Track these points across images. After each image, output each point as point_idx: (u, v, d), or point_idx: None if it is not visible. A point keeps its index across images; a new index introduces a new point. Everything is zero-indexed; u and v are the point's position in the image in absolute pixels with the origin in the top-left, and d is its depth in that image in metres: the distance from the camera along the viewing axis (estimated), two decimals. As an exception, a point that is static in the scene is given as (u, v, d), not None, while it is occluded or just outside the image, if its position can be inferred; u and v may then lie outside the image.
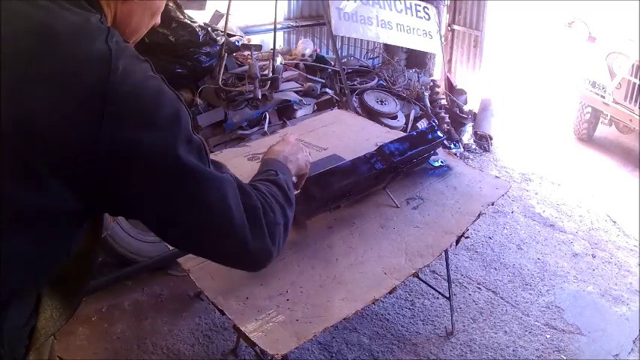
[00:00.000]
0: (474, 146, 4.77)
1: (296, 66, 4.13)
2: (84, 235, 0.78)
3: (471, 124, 4.83)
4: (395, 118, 4.19)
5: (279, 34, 4.45)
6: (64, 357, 2.35)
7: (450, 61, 5.62)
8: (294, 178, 1.21)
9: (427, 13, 4.73)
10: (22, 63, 0.65)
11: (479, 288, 2.92)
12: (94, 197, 0.70)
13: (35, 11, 0.68)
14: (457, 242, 1.97)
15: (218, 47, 3.32)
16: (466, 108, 4.94)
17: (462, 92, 5.02)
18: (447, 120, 4.61)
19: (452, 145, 4.52)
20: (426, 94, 4.66)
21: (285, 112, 3.56)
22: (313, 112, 3.68)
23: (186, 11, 3.43)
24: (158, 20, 0.91)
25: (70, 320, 0.86)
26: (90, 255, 0.85)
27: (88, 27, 0.70)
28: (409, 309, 2.72)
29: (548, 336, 2.61)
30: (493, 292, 2.90)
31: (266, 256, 0.89)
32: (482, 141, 4.81)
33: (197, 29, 3.22)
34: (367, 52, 5.12)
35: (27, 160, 0.64)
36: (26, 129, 0.64)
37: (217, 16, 3.80)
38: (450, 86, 5.03)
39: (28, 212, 0.67)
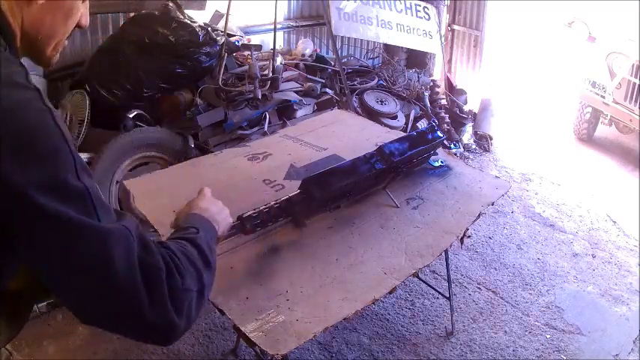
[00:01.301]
0: (474, 146, 4.77)
1: (296, 66, 4.13)
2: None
3: (471, 124, 4.83)
4: (395, 118, 4.19)
5: (279, 34, 4.45)
6: (64, 357, 2.35)
7: (450, 61, 5.62)
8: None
9: (427, 13, 4.73)
10: None
11: (479, 288, 2.92)
12: None
13: None
14: (462, 242, 1.97)
15: (218, 47, 3.32)
16: (466, 108, 4.94)
17: (462, 92, 5.01)
18: (447, 120, 4.61)
19: (452, 145, 4.52)
20: (426, 94, 4.66)
21: (285, 112, 3.56)
22: (313, 112, 3.67)
23: (186, 11, 3.43)
24: (83, 21, 0.84)
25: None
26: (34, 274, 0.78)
27: None
28: (409, 309, 2.72)
29: (548, 336, 2.61)
30: (493, 292, 2.90)
31: (168, 328, 0.74)
32: (483, 141, 4.81)
33: (197, 29, 3.22)
34: (367, 52, 5.12)
35: None
36: None
37: (217, 16, 3.79)
38: (450, 86, 5.02)
39: None
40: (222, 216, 1.06)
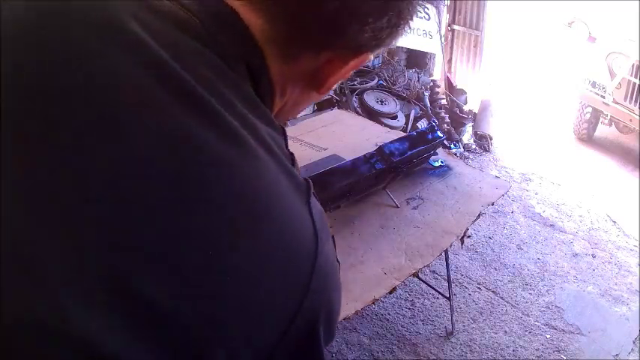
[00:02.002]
0: (474, 146, 4.77)
1: (296, 66, 4.13)
2: None
3: (471, 124, 4.83)
4: (395, 118, 4.19)
5: (279, 34, 4.44)
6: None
7: (450, 61, 5.62)
8: None
9: (427, 13, 4.73)
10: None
11: (479, 288, 2.92)
12: None
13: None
14: (462, 242, 1.97)
15: (218, 47, 3.32)
16: (466, 108, 4.94)
17: (462, 92, 5.02)
18: (447, 120, 4.61)
19: (452, 145, 4.52)
20: (426, 94, 4.66)
21: (285, 112, 3.56)
22: (313, 112, 3.68)
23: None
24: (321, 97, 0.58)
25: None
26: None
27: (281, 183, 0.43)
28: (409, 309, 2.72)
29: (548, 336, 2.61)
30: (493, 292, 2.90)
31: None
32: (483, 141, 4.81)
33: (197, 29, 3.22)
34: (367, 52, 5.12)
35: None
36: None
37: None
38: (450, 86, 5.02)
39: None
40: None
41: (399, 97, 4.41)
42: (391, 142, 2.04)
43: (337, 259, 0.51)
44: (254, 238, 0.40)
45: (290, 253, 0.42)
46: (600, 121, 5.08)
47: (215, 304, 0.38)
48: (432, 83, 4.89)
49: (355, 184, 1.91)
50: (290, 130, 2.68)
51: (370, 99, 4.19)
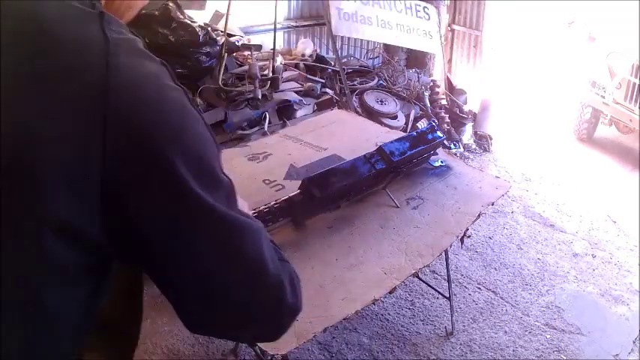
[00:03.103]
0: (474, 146, 4.77)
1: (296, 66, 4.13)
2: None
3: (471, 124, 4.82)
4: (395, 118, 4.19)
5: (279, 34, 4.45)
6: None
7: (450, 61, 5.62)
8: None
9: (427, 13, 4.73)
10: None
11: (479, 288, 2.92)
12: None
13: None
14: (462, 242, 1.97)
15: (218, 47, 3.32)
16: (466, 108, 4.94)
17: (462, 92, 5.01)
18: (447, 120, 4.61)
19: (452, 145, 4.52)
20: (426, 94, 4.66)
21: (285, 112, 3.56)
22: (313, 112, 3.68)
23: (186, 11, 3.43)
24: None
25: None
26: (132, 289, 0.71)
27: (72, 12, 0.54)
28: (409, 309, 2.72)
29: (548, 336, 2.61)
30: (493, 292, 2.90)
31: (294, 315, 0.73)
32: (482, 141, 4.81)
33: (197, 29, 3.22)
34: (367, 52, 5.12)
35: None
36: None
37: (217, 16, 3.80)
38: (450, 86, 5.02)
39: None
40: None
41: (399, 97, 4.41)
42: (391, 142, 2.04)
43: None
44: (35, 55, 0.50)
45: (72, 58, 0.51)
46: (600, 121, 5.08)
47: (21, 112, 0.48)
48: (432, 83, 4.88)
49: (355, 184, 1.90)
50: (290, 130, 2.68)
51: (370, 99, 4.19)
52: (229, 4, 3.46)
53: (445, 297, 2.58)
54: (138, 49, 0.57)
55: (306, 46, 4.40)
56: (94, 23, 0.53)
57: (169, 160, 0.53)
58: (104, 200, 0.51)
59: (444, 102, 4.82)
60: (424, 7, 4.72)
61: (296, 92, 3.69)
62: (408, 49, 4.96)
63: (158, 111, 0.54)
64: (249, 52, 3.65)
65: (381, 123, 3.45)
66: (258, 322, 0.68)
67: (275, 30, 3.76)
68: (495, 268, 3.10)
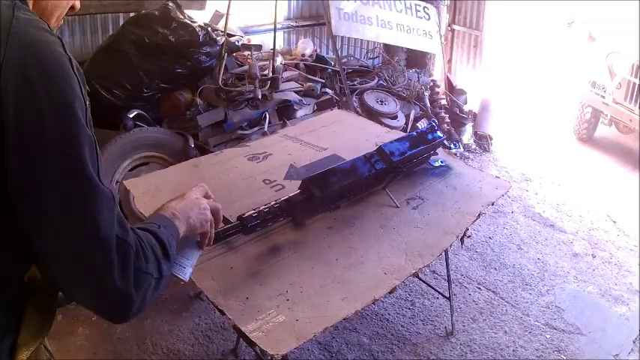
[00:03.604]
0: (474, 146, 4.77)
1: (296, 66, 4.13)
2: None
3: (471, 124, 4.83)
4: (395, 118, 4.19)
5: (279, 34, 4.45)
6: (63, 357, 2.35)
7: (450, 61, 5.62)
8: (197, 237, 1.07)
9: (427, 13, 4.73)
10: None
11: (479, 288, 2.92)
12: None
13: None
14: (462, 242, 1.97)
15: (218, 47, 3.32)
16: (466, 108, 4.94)
17: (462, 92, 5.01)
18: (447, 120, 4.61)
19: (452, 145, 4.52)
20: (426, 94, 4.66)
21: (285, 112, 3.56)
22: (313, 112, 3.67)
23: (186, 11, 3.43)
24: (77, 4, 0.88)
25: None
26: None
27: None
28: (409, 309, 2.72)
29: (548, 336, 2.61)
30: (493, 292, 2.90)
31: (125, 301, 0.77)
32: (482, 141, 4.81)
33: (197, 29, 3.22)
34: (367, 52, 5.12)
35: None
36: None
37: (217, 16, 3.79)
38: (450, 86, 5.02)
39: None
40: (188, 213, 1.03)
41: (399, 97, 4.41)
42: (391, 142, 2.04)
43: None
44: None
45: None
46: (600, 121, 5.08)
47: None
48: (432, 83, 4.88)
49: (355, 184, 1.90)
50: (290, 130, 2.68)
51: (370, 99, 4.19)
52: (229, 4, 3.45)
53: (445, 297, 2.58)
54: (39, 26, 0.74)
55: (306, 46, 4.40)
56: (9, 8, 0.73)
57: (44, 102, 0.70)
58: None
59: (444, 102, 4.82)
60: (424, 7, 4.72)
61: (296, 92, 3.69)
62: (408, 49, 4.96)
63: (42, 60, 0.71)
64: (249, 52, 3.65)
65: (381, 123, 3.45)
66: (84, 286, 0.77)
67: (275, 30, 3.76)
68: (495, 268, 3.10)
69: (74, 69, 0.74)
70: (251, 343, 1.41)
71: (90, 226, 0.72)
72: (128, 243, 0.77)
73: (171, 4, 3.32)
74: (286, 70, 3.85)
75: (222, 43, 3.34)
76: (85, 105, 0.74)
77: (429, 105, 4.58)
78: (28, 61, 0.70)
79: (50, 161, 0.70)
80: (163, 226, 0.93)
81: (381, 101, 4.23)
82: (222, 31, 3.44)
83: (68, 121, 0.71)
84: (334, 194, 1.85)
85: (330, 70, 4.20)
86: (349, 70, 4.48)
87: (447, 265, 2.44)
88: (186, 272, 1.08)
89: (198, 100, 3.31)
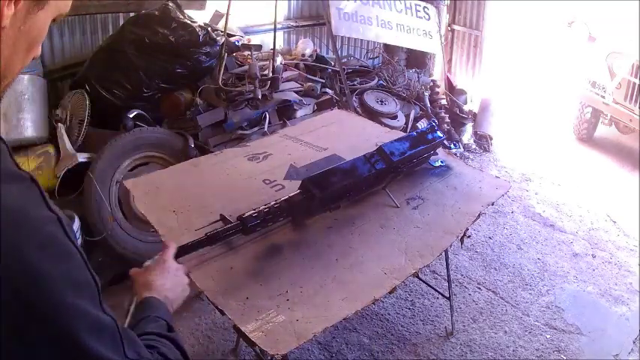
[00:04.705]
0: (474, 146, 4.77)
1: (296, 66, 4.13)
2: None
3: (471, 124, 4.83)
4: (395, 118, 4.19)
5: (279, 34, 4.44)
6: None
7: (450, 61, 5.62)
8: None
9: (427, 13, 4.73)
10: None
11: (479, 288, 2.92)
12: None
13: None
14: (462, 242, 1.97)
15: (218, 47, 3.32)
16: (466, 108, 4.94)
17: (462, 92, 5.01)
18: (447, 120, 4.61)
19: (452, 145, 4.52)
20: (426, 94, 4.66)
21: (285, 112, 3.56)
22: (313, 112, 3.67)
23: (186, 11, 3.42)
24: (38, 51, 0.66)
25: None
26: None
27: None
28: (409, 309, 2.72)
29: (548, 336, 2.61)
30: (493, 292, 2.90)
31: None
32: (482, 141, 4.81)
33: (197, 29, 3.22)
34: (367, 52, 5.12)
35: None
36: None
37: (217, 16, 3.79)
38: (450, 86, 5.02)
39: None
40: (178, 290, 1.11)
41: (399, 97, 4.41)
42: (391, 142, 2.04)
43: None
44: None
45: None
46: (600, 121, 5.07)
47: None
48: (432, 83, 4.88)
49: (355, 184, 1.90)
50: (290, 130, 2.68)
51: (370, 99, 4.19)
52: (229, 4, 3.45)
53: (445, 297, 2.58)
54: (9, 172, 0.59)
55: (306, 46, 4.39)
56: None
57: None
58: None
59: (444, 102, 4.81)
60: (424, 7, 4.72)
61: (296, 92, 3.69)
62: (408, 49, 4.96)
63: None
64: (249, 52, 3.65)
65: (381, 123, 3.45)
66: None
67: (275, 30, 3.76)
68: (495, 268, 3.10)
69: (66, 233, 0.63)
70: (251, 343, 1.41)
71: None
72: None
73: (171, 4, 3.32)
74: (286, 70, 3.85)
75: (222, 43, 3.34)
76: (94, 279, 0.67)
77: (429, 105, 4.58)
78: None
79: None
80: (169, 320, 0.96)
81: (381, 101, 4.23)
82: (222, 31, 3.43)
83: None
84: (334, 194, 1.85)
85: (330, 70, 4.20)
86: (349, 70, 4.47)
87: (447, 265, 2.44)
88: None
89: (198, 100, 3.31)
